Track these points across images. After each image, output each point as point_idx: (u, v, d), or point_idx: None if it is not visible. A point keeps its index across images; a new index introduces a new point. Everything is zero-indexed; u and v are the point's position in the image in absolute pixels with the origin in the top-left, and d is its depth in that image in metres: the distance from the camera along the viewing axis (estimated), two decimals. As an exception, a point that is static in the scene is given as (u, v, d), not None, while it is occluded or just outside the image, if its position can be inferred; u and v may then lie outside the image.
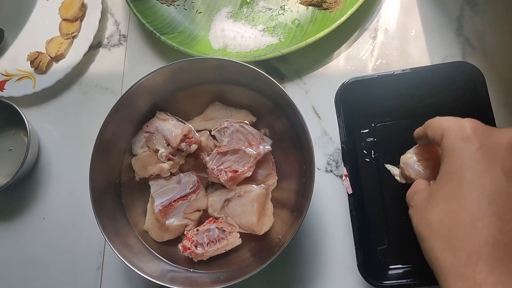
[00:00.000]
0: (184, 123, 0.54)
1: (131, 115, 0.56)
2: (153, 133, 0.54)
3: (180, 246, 0.53)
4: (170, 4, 0.65)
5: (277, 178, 0.54)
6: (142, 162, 0.56)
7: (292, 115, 0.51)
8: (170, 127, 0.53)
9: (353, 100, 0.53)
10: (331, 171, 0.57)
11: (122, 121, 0.55)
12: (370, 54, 0.59)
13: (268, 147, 0.52)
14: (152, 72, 0.53)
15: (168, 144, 0.53)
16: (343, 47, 0.60)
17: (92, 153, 0.53)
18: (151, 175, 0.55)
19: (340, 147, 0.57)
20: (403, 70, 0.51)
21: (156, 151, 0.54)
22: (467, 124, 0.37)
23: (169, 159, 0.53)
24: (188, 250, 0.52)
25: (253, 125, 0.55)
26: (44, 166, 0.65)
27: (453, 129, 0.38)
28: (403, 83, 0.52)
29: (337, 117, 0.52)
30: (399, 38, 0.59)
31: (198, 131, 0.56)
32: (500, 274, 0.33)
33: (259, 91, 0.54)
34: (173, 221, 0.53)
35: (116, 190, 0.56)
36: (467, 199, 0.35)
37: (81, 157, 0.63)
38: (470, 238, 0.34)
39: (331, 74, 0.60)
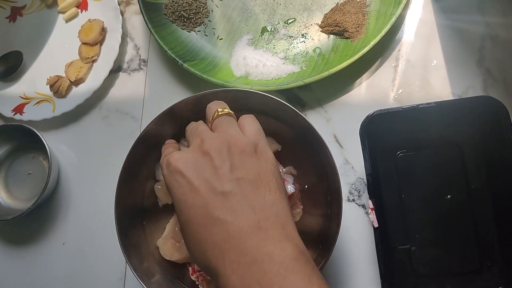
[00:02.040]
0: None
1: (155, 143, 0.56)
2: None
3: (189, 268, 0.53)
4: (191, 30, 0.65)
5: (302, 207, 0.54)
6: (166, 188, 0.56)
7: (317, 145, 0.51)
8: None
9: (377, 132, 0.53)
10: (353, 200, 0.57)
11: (146, 150, 0.56)
12: (392, 83, 0.60)
13: (292, 189, 0.52)
14: (177, 102, 0.53)
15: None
16: (365, 75, 0.61)
17: (118, 182, 0.53)
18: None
19: (362, 177, 0.58)
20: (427, 104, 0.52)
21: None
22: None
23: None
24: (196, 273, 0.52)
25: (277, 154, 0.55)
26: (63, 191, 0.65)
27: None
28: (427, 115, 0.53)
29: (362, 150, 0.52)
30: (420, 67, 0.60)
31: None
32: None
33: (284, 120, 0.55)
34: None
35: (139, 216, 0.56)
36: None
37: (101, 182, 0.64)
38: None
39: (353, 103, 0.60)
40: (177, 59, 0.62)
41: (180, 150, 0.48)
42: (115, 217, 0.51)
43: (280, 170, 0.54)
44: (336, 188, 0.48)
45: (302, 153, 0.55)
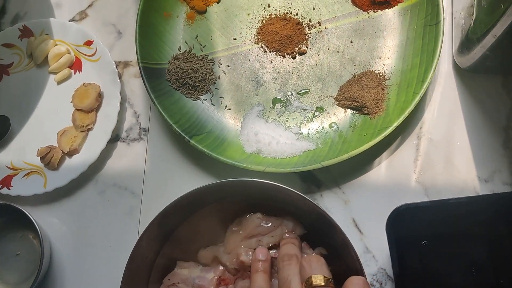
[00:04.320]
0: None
1: (161, 234, 0.52)
2: (178, 283, 0.49)
3: None
4: (196, 99, 0.60)
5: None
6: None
7: (341, 245, 0.47)
8: (199, 274, 0.49)
9: (404, 224, 0.50)
10: (375, 292, 0.54)
11: (151, 242, 0.51)
12: (414, 164, 0.56)
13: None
14: (187, 193, 0.49)
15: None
16: (385, 154, 0.57)
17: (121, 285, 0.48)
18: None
19: (383, 267, 0.54)
20: (457, 199, 0.49)
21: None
22: None
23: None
24: None
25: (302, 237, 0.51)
26: (56, 273, 0.59)
27: None
28: (455, 209, 0.49)
29: (389, 248, 0.49)
30: (443, 147, 0.56)
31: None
32: None
33: (300, 212, 0.51)
34: None
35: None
36: None
37: (98, 264, 0.59)
38: None
39: (373, 184, 0.56)
40: (183, 134, 0.57)
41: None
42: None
43: (310, 251, 0.50)
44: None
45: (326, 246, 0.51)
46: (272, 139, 0.57)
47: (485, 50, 0.50)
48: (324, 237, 0.49)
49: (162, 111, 0.58)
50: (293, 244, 0.46)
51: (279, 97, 0.60)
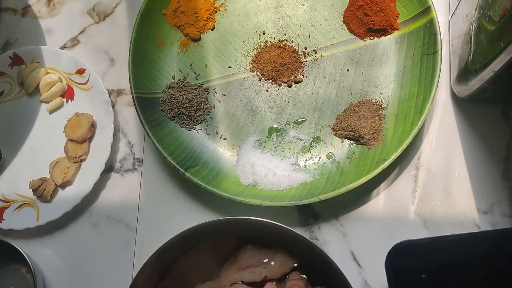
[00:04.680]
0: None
1: (157, 272, 0.51)
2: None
3: None
4: (191, 128, 0.59)
5: None
6: None
7: (336, 278, 0.47)
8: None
9: (403, 259, 0.49)
10: (374, 328, 0.53)
11: (148, 281, 0.50)
12: (412, 195, 0.56)
13: None
14: (183, 232, 0.48)
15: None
16: (383, 185, 0.56)
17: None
18: None
19: (383, 302, 0.53)
20: (457, 236, 0.48)
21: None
22: None
23: None
24: None
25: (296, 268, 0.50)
26: (50, 309, 0.58)
27: None
28: (455, 244, 0.49)
29: (389, 285, 0.48)
30: (442, 178, 0.56)
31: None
32: None
33: (299, 248, 0.50)
34: None
35: None
36: None
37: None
38: None
39: (371, 216, 0.56)
40: (178, 166, 0.56)
41: None
42: None
43: None
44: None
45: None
46: (269, 170, 0.56)
47: (483, 83, 0.50)
48: (323, 275, 0.49)
49: (156, 143, 0.56)
50: (298, 287, 0.46)
51: (275, 126, 0.59)
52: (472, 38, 0.50)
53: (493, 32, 0.45)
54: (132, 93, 0.58)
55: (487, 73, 0.48)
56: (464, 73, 0.53)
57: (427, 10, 0.57)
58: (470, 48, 0.51)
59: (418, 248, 0.49)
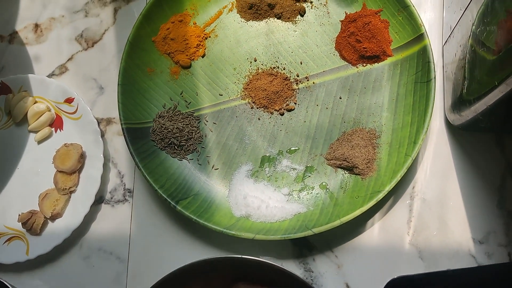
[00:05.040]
0: None
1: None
2: None
3: None
4: (182, 158, 0.58)
5: None
6: None
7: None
8: None
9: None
10: None
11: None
12: (407, 225, 0.55)
13: None
14: (172, 272, 0.48)
15: None
16: (377, 215, 0.56)
17: None
18: None
19: (379, 335, 0.53)
20: (453, 271, 0.48)
21: None
22: None
23: None
24: None
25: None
26: None
27: None
28: (453, 281, 0.48)
29: (384, 323, 0.47)
30: (437, 207, 0.55)
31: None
32: None
33: (295, 286, 0.49)
34: None
35: None
36: None
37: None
38: None
39: (366, 248, 0.55)
40: (169, 199, 0.55)
41: None
42: None
43: None
44: None
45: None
46: (262, 202, 0.55)
47: (477, 114, 0.49)
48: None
49: (147, 176, 0.56)
50: None
51: (267, 155, 0.58)
52: (466, 70, 0.49)
53: (488, 67, 0.44)
54: (121, 124, 0.57)
55: (480, 106, 0.47)
56: (458, 104, 0.52)
57: (420, 37, 0.56)
58: (464, 78, 0.50)
59: (414, 283, 0.48)
